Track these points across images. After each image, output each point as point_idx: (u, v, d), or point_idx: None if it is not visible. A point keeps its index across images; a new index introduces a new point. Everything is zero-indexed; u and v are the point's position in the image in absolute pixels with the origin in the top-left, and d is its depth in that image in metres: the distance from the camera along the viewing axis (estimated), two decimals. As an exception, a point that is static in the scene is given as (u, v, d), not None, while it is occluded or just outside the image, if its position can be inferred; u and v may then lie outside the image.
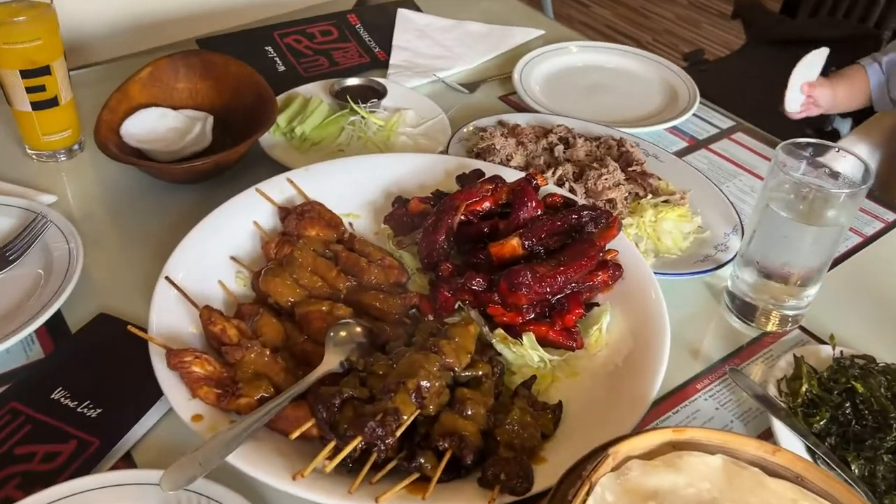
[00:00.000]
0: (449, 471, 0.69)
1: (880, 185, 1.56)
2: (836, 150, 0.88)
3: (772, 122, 1.44)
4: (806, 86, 1.44)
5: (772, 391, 0.83)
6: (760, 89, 1.51)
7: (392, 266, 0.93)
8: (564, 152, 1.16)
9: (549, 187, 1.01)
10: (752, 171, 1.24)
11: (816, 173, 0.89)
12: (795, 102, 1.44)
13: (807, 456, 0.77)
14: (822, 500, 0.64)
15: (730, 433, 0.69)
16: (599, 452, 0.65)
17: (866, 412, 0.78)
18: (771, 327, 0.94)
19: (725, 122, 1.36)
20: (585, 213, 0.92)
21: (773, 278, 0.91)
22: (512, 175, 1.00)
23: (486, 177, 0.98)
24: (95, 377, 0.82)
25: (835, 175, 0.89)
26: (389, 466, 0.69)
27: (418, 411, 0.71)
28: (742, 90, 2.14)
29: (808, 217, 0.87)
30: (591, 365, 0.84)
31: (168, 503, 0.69)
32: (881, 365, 0.84)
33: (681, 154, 1.26)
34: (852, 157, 0.87)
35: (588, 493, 0.63)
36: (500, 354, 0.82)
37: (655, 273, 0.94)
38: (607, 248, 0.91)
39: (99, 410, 0.78)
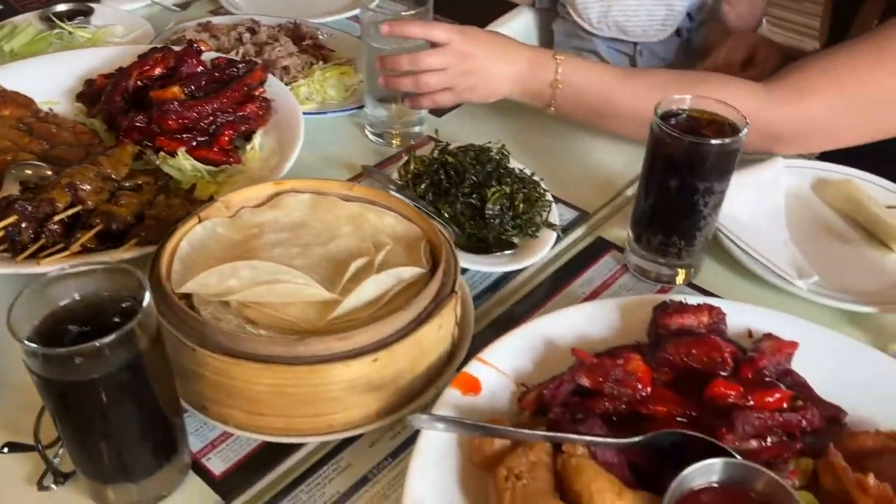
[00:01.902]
0: (107, 242, 0.87)
1: None
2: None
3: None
4: None
5: (395, 176, 1.07)
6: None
7: (83, 131, 1.09)
8: (251, 38, 1.36)
9: (217, 53, 1.20)
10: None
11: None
12: None
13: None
14: (386, 210, 0.88)
15: (320, 180, 0.91)
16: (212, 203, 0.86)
17: (454, 174, 1.03)
18: (397, 143, 1.19)
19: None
20: (241, 65, 1.12)
21: (385, 101, 1.15)
22: (186, 50, 1.19)
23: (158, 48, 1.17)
24: None
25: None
26: (56, 248, 0.86)
27: (79, 206, 0.88)
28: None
29: (395, 44, 1.11)
30: (248, 175, 1.05)
31: None
32: (476, 146, 1.10)
33: (364, 35, 1.48)
34: None
35: (199, 223, 0.83)
36: (168, 175, 1.01)
37: (315, 113, 1.17)
38: (264, 88, 1.12)
39: None
